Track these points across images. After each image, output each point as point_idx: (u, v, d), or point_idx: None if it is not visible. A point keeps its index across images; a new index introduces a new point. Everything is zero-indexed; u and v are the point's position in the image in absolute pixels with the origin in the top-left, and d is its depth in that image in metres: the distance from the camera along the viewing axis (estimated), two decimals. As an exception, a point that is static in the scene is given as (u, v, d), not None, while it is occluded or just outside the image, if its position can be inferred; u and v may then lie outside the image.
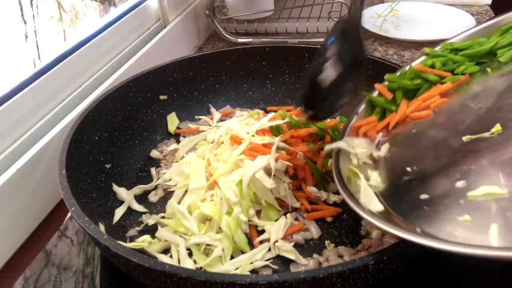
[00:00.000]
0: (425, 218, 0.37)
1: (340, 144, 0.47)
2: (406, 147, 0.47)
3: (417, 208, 0.39)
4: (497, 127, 0.41)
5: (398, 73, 0.53)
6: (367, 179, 0.44)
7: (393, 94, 0.51)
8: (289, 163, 0.52)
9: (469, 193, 0.37)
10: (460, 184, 0.38)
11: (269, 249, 0.48)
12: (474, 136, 0.42)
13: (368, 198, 0.41)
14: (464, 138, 0.43)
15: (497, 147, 0.40)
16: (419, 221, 0.37)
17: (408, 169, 0.43)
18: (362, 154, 0.47)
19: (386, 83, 0.52)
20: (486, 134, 0.42)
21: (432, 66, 0.51)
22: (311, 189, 0.52)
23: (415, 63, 0.53)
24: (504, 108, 0.44)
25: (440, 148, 0.44)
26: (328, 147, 0.48)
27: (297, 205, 0.52)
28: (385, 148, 0.47)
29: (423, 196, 0.39)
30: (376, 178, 0.44)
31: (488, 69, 0.48)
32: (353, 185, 0.43)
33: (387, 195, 0.42)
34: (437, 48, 0.54)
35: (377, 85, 0.52)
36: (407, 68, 0.52)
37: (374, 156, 0.47)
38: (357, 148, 0.47)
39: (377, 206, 0.40)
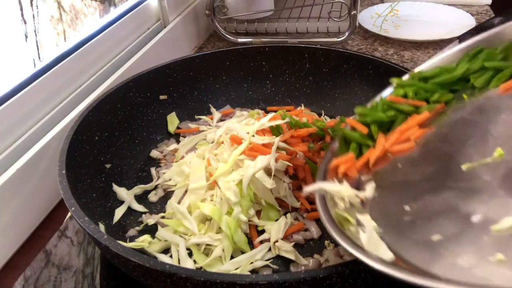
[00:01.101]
0: (447, 264, 0.31)
1: (325, 186, 0.41)
2: (396, 184, 0.41)
3: (433, 252, 0.33)
4: (499, 151, 0.38)
5: (369, 105, 0.49)
6: (358, 224, 0.37)
7: (368, 128, 0.46)
8: (289, 163, 0.52)
9: (492, 227, 0.32)
10: (476, 218, 0.33)
11: (269, 249, 0.48)
12: (475, 164, 0.38)
13: (375, 245, 0.34)
14: (464, 167, 0.38)
15: (504, 171, 0.36)
16: (439, 268, 0.31)
17: (407, 208, 0.38)
18: (350, 196, 0.40)
19: (357, 117, 0.48)
20: (489, 160, 0.38)
21: (405, 96, 0.48)
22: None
23: (386, 94, 0.49)
24: (498, 132, 0.40)
25: (438, 180, 0.39)
26: (309, 189, 0.41)
27: (297, 205, 0.52)
28: (371, 187, 0.41)
29: (436, 237, 0.34)
30: (368, 221, 0.37)
31: (464, 96, 0.45)
32: (347, 232, 0.37)
33: (389, 241, 0.35)
34: (405, 78, 0.50)
35: (348, 120, 0.48)
36: (378, 99, 0.49)
37: (361, 197, 0.40)
38: (342, 190, 0.40)
39: (387, 254, 0.33)
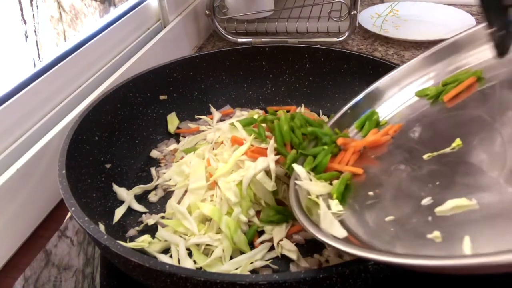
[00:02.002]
0: (392, 240, 0.36)
1: (299, 183, 0.45)
2: (364, 174, 0.46)
3: (383, 231, 0.37)
4: (458, 141, 0.41)
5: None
6: (328, 207, 0.42)
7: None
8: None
9: (437, 209, 0.36)
10: (426, 201, 0.37)
11: (270, 249, 0.48)
12: (435, 153, 0.42)
13: (329, 224, 0.39)
14: (425, 156, 0.42)
15: (460, 160, 0.40)
16: (386, 244, 0.36)
17: (370, 193, 0.42)
18: (318, 191, 0.45)
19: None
20: (447, 150, 0.41)
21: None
22: None
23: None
24: (459, 124, 0.44)
25: (401, 169, 0.43)
26: (291, 183, 0.46)
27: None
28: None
29: (388, 218, 0.38)
30: (336, 205, 0.42)
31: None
32: (314, 216, 0.41)
33: (350, 221, 0.40)
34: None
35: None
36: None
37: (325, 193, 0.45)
38: (312, 187, 0.45)
39: (339, 231, 0.38)
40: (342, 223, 0.40)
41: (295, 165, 0.47)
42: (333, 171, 0.47)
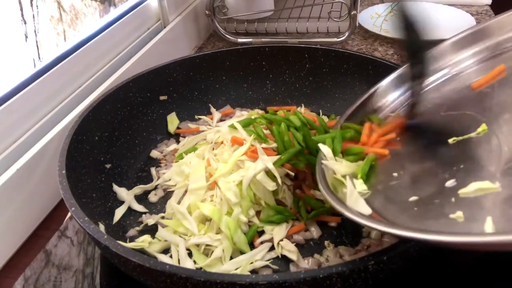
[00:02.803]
0: (415, 219, 0.37)
1: (326, 162, 0.47)
2: (389, 156, 0.47)
3: (407, 210, 0.38)
4: (483, 127, 0.42)
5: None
6: (353, 187, 0.43)
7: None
8: (290, 172, 0.52)
9: (460, 190, 0.36)
10: (449, 183, 0.38)
11: (270, 250, 0.48)
12: (460, 138, 0.43)
13: (355, 201, 0.40)
14: (450, 141, 0.43)
15: (485, 145, 0.40)
16: (409, 222, 0.37)
17: (395, 174, 0.43)
18: (344, 172, 0.46)
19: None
20: (473, 135, 0.42)
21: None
22: (314, 193, 0.52)
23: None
24: (486, 110, 0.44)
25: (426, 152, 0.44)
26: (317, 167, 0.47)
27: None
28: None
29: (412, 198, 0.39)
30: (361, 184, 0.43)
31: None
32: (340, 194, 0.43)
33: (375, 201, 0.41)
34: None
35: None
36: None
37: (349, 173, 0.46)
38: (340, 164, 0.47)
39: (364, 209, 0.39)
40: (367, 202, 0.40)
41: (321, 145, 0.48)
42: (359, 152, 0.48)
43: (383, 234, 0.48)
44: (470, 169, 0.39)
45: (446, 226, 0.34)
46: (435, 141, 0.45)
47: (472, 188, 0.36)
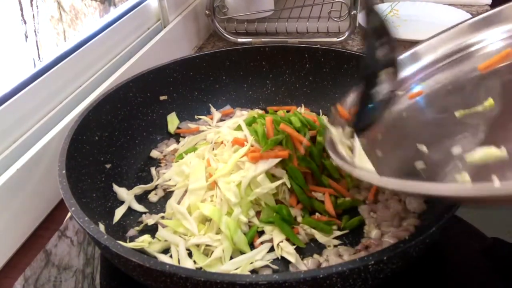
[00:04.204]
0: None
1: (330, 128, 0.49)
2: (397, 128, 0.48)
3: (414, 175, 0.39)
4: (490, 101, 0.42)
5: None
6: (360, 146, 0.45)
7: None
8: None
9: (467, 156, 0.37)
10: (456, 149, 0.39)
11: (270, 250, 0.48)
12: (467, 111, 0.43)
13: (364, 161, 0.41)
14: (457, 114, 0.43)
15: (491, 117, 0.41)
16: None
17: (401, 142, 0.44)
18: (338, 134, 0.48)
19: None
20: (479, 108, 0.42)
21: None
22: (316, 195, 0.52)
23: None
24: (492, 88, 0.45)
25: (433, 124, 0.45)
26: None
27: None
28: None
29: (419, 164, 0.39)
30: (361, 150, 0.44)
31: None
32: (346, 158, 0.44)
33: (382, 166, 0.42)
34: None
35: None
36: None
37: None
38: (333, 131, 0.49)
39: (371, 167, 0.40)
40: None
41: (327, 123, 0.51)
42: None
43: (383, 233, 0.48)
44: (476, 138, 0.39)
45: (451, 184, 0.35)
46: (442, 113, 0.46)
47: (478, 153, 0.36)
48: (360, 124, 0.48)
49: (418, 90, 0.52)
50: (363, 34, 0.51)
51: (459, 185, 0.29)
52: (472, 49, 0.52)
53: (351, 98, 0.54)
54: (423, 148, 0.42)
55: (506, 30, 0.51)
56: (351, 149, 0.46)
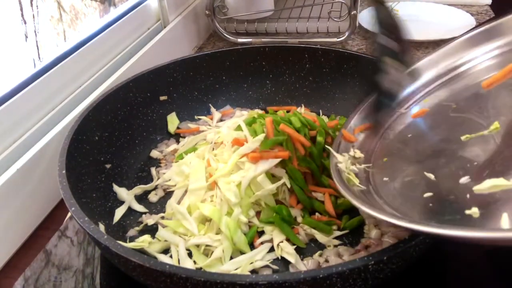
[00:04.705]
0: (431, 215, 0.37)
1: (334, 153, 0.50)
2: (402, 152, 0.47)
3: (421, 206, 0.38)
4: (496, 125, 0.42)
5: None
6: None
7: None
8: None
9: (475, 187, 0.36)
10: (464, 180, 0.38)
11: (270, 250, 0.48)
12: (473, 135, 0.43)
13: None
14: (463, 138, 0.43)
15: (498, 143, 0.40)
16: (424, 217, 0.37)
17: (408, 170, 0.43)
18: (343, 160, 0.48)
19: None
20: (485, 132, 0.42)
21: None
22: (316, 195, 0.52)
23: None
24: (497, 109, 0.45)
25: (438, 149, 0.44)
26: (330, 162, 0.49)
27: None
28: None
29: (427, 194, 0.39)
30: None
31: None
32: (352, 187, 0.43)
33: (389, 196, 0.41)
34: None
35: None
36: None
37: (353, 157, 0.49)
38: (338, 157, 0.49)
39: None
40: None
41: (331, 149, 0.51)
42: None
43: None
44: (483, 167, 0.39)
45: (462, 222, 0.34)
46: (447, 138, 0.45)
47: (487, 185, 0.36)
48: (379, 114, 0.48)
49: (421, 109, 0.52)
50: (374, 24, 0.50)
51: (496, 232, 0.28)
52: (474, 63, 0.52)
53: (354, 120, 0.55)
54: (431, 176, 0.41)
55: (506, 43, 0.51)
56: (357, 175, 0.46)
